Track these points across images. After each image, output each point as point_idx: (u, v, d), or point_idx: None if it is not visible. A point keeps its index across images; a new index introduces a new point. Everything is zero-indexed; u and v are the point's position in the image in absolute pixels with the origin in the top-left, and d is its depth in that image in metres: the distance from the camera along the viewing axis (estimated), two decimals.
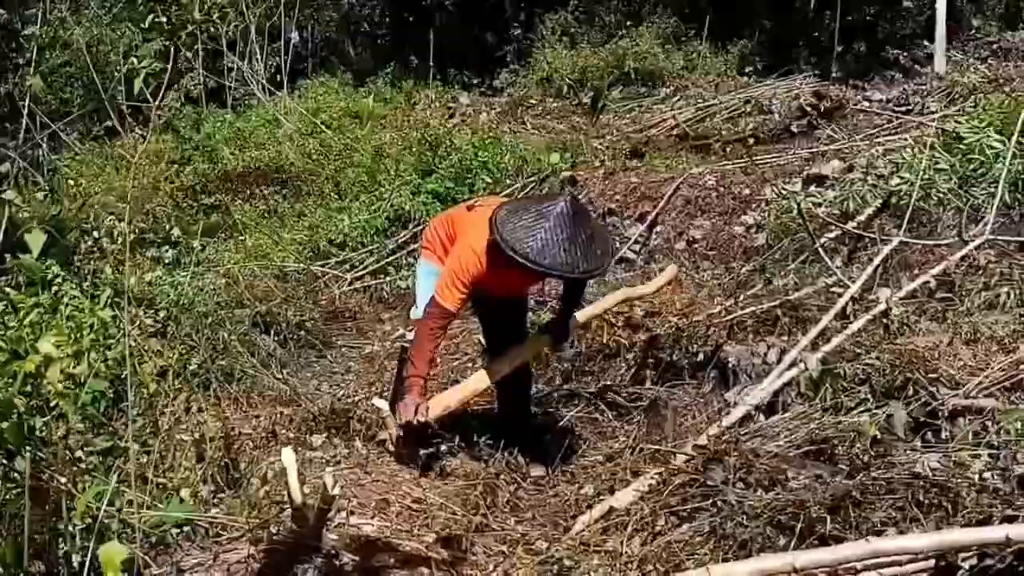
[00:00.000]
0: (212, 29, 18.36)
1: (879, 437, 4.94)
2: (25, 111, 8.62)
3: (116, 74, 11.63)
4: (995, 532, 3.64)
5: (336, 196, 13.70)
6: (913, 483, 4.32)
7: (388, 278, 11.02)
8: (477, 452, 5.89)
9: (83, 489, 3.81)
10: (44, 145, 9.16)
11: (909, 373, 5.63)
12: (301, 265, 10.94)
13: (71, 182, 10.23)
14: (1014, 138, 8.65)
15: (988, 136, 9.65)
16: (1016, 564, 3.55)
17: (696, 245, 11.08)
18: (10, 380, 3.74)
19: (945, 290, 7.23)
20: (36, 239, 3.59)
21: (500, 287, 5.77)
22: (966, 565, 3.60)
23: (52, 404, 3.88)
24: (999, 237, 7.76)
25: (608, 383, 7.27)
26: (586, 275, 5.44)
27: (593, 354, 7.67)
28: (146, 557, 3.88)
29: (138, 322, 5.98)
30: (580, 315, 6.06)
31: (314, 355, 8.68)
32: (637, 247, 11.31)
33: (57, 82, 14.14)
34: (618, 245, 10.87)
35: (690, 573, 3.83)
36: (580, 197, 6.47)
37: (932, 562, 3.69)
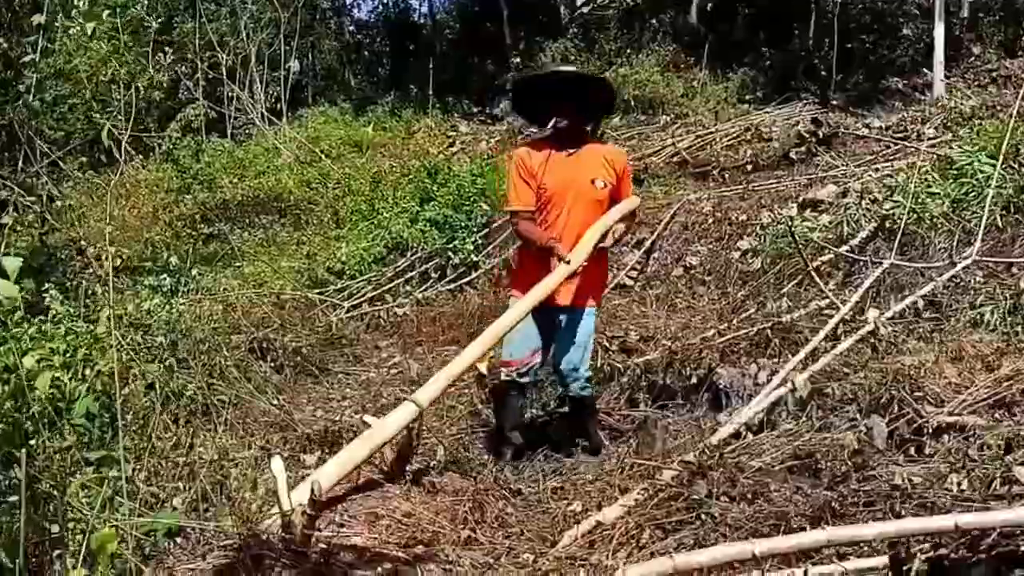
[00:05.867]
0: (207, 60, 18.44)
1: (859, 449, 5.00)
2: (24, 139, 8.67)
3: (116, 103, 11.71)
4: (945, 521, 3.70)
5: (334, 224, 13.76)
6: (892, 495, 4.37)
7: (385, 305, 11.04)
8: (467, 469, 5.95)
9: (76, 493, 3.88)
10: (43, 174, 9.20)
11: (895, 391, 5.69)
12: (298, 293, 10.96)
13: (59, 208, 10.25)
14: (1000, 162, 8.72)
15: (980, 160, 9.72)
16: (969, 555, 3.59)
17: (693, 271, 11.12)
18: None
19: (932, 310, 7.30)
20: (12, 264, 3.62)
21: (550, 186, 6.18)
22: (921, 556, 3.64)
23: (43, 418, 3.94)
24: (985, 258, 7.82)
25: (602, 406, 7.32)
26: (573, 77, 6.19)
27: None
28: (138, 563, 3.92)
29: (129, 338, 6.04)
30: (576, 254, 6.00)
31: (310, 381, 8.67)
32: (634, 273, 11.35)
33: (59, 111, 14.24)
34: (616, 271, 10.97)
35: (654, 561, 3.88)
36: None
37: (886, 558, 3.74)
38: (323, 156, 16.87)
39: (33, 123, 9.01)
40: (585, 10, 27.01)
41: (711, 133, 18.10)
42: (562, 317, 6.29)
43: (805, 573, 3.72)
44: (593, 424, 6.65)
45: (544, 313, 6.20)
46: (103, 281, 7.14)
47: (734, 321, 8.48)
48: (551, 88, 6.18)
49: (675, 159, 17.08)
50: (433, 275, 11.86)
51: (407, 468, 5.59)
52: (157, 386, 5.98)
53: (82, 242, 8.17)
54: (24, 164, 9.04)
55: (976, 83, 19.65)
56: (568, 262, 5.81)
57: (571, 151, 6.22)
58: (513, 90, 6.68)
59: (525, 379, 6.32)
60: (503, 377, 6.38)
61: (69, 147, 13.10)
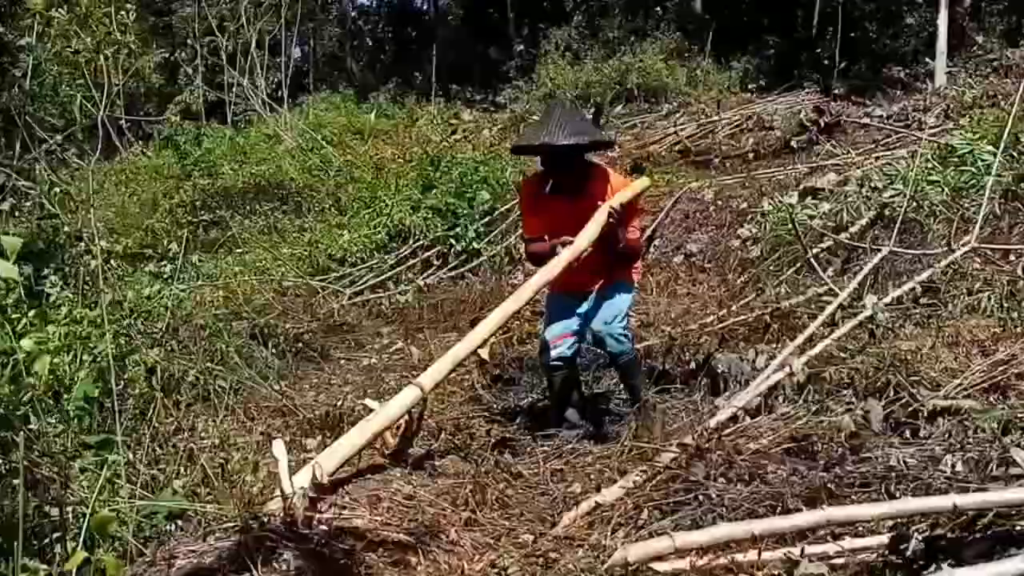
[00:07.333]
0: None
1: (856, 432, 5.03)
2: (21, 124, 8.66)
3: (115, 88, 11.67)
4: (943, 501, 3.73)
5: (336, 211, 13.77)
6: (887, 476, 4.41)
7: (387, 293, 11.06)
8: (468, 452, 5.98)
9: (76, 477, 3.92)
10: (41, 159, 9.18)
11: (891, 375, 5.72)
12: (300, 280, 10.99)
13: (58, 194, 10.26)
14: (1000, 150, 8.76)
15: (980, 148, 9.76)
16: (965, 535, 3.63)
17: (693, 258, 11.15)
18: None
19: (930, 296, 7.33)
20: (12, 243, 3.58)
21: (552, 230, 6.15)
22: (918, 536, 3.66)
23: (42, 401, 3.97)
24: (983, 245, 7.85)
25: (601, 391, 7.38)
26: (548, 146, 6.09)
27: (587, 364, 7.75)
28: (138, 545, 3.95)
29: (126, 322, 6.06)
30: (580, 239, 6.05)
31: (312, 367, 8.68)
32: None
33: (60, 97, 14.28)
34: None
35: (654, 540, 3.92)
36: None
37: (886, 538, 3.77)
38: (325, 143, 16.87)
39: (31, 108, 9.00)
40: None
41: (713, 121, 18.11)
42: (595, 296, 6.38)
43: (802, 552, 3.75)
44: (637, 380, 6.62)
45: (579, 300, 6.38)
46: (101, 268, 7.17)
47: (733, 307, 8.52)
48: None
49: (677, 147, 17.10)
50: (435, 262, 11.89)
51: (408, 451, 5.62)
52: (158, 371, 6.01)
53: (64, 228, 8.16)
54: (22, 150, 9.02)
55: (978, 72, 19.61)
56: (570, 243, 5.85)
57: (572, 197, 6.18)
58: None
59: (557, 352, 6.37)
60: (547, 362, 6.49)
61: (67, 132, 13.14)
